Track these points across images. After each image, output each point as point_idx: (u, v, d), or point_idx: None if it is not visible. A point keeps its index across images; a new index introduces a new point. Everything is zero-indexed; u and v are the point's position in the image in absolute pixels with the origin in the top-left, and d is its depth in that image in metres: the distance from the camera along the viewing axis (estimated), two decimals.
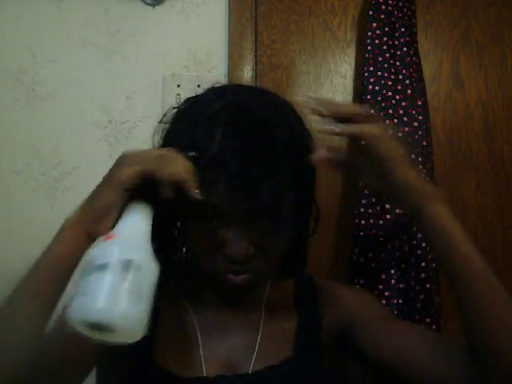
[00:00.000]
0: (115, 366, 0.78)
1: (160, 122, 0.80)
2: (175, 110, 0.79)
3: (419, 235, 1.30)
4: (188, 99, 0.79)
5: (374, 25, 1.35)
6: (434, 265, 1.32)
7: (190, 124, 0.71)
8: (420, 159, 1.31)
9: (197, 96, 0.79)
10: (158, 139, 0.79)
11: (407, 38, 1.35)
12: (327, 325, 0.83)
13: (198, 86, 1.42)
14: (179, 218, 0.78)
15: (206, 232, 0.70)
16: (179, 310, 0.83)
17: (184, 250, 0.83)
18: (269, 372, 0.77)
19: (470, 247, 0.72)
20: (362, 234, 1.30)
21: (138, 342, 0.75)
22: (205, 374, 0.76)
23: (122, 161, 0.66)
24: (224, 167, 0.65)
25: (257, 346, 0.79)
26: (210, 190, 0.65)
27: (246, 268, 0.71)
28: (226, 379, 0.74)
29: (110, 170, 0.66)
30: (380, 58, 1.34)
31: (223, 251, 0.70)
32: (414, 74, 1.35)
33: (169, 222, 0.79)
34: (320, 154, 0.69)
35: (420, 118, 1.33)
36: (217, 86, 0.80)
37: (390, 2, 1.36)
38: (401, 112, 1.31)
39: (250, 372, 0.77)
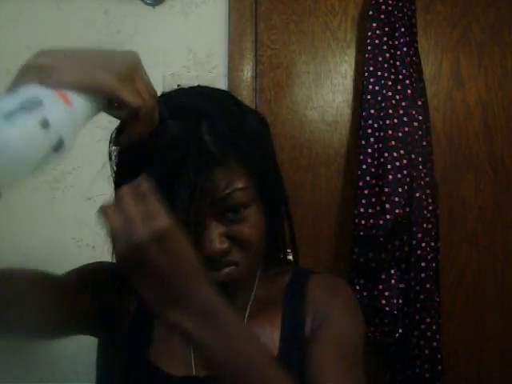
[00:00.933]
0: (114, 363, 0.78)
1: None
2: None
3: (419, 235, 1.30)
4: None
5: (374, 25, 1.35)
6: (434, 265, 1.32)
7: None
8: (420, 159, 1.31)
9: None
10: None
11: (407, 38, 1.35)
12: (308, 327, 0.79)
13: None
14: None
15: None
16: None
17: None
18: None
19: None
20: (361, 233, 1.30)
21: (136, 341, 0.74)
22: (194, 374, 0.75)
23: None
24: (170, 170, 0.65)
25: None
26: (171, 193, 0.64)
27: (227, 261, 0.70)
28: (214, 380, 0.74)
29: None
30: (380, 58, 1.34)
31: (200, 251, 0.67)
32: (414, 74, 1.35)
33: None
34: None
35: (420, 117, 1.33)
36: (166, 92, 0.79)
37: (390, 1, 1.36)
38: (401, 112, 1.31)
39: None
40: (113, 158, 0.80)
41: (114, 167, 0.79)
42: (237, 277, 0.72)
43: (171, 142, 0.66)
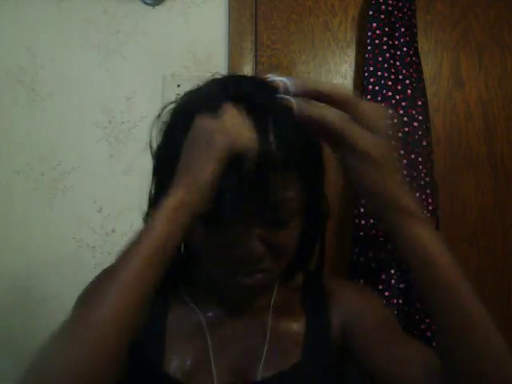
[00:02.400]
0: (126, 377, 0.76)
1: (158, 116, 0.74)
2: (174, 105, 0.74)
3: None
4: (188, 92, 0.75)
5: (374, 25, 1.35)
6: None
7: (191, 119, 0.64)
8: (420, 159, 1.31)
9: (197, 89, 0.74)
10: (155, 134, 0.74)
11: (407, 38, 1.35)
12: (335, 327, 0.80)
13: None
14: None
15: (213, 233, 0.66)
16: (188, 313, 0.80)
17: (184, 253, 0.80)
18: (278, 379, 0.74)
19: (457, 277, 0.62)
20: (361, 234, 1.30)
21: (148, 353, 0.73)
22: (216, 383, 0.73)
23: (216, 128, 0.59)
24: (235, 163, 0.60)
25: (265, 350, 0.77)
26: (221, 187, 0.60)
27: (258, 268, 0.68)
28: None
29: (205, 138, 0.59)
30: (380, 58, 1.34)
31: (232, 252, 0.66)
32: (414, 74, 1.35)
33: None
34: (302, 108, 0.60)
35: (420, 117, 1.33)
36: (218, 77, 0.76)
37: (390, 1, 1.36)
38: (401, 112, 1.31)
39: (258, 379, 0.75)
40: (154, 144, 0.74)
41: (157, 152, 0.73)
42: (265, 284, 0.71)
43: None
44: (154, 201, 0.73)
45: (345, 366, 0.83)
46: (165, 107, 0.74)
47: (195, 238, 0.69)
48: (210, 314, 0.80)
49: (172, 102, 0.75)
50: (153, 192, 0.74)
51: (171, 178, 0.61)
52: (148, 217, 0.73)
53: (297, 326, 0.79)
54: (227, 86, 0.68)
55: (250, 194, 0.61)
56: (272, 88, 0.66)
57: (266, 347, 0.77)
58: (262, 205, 0.63)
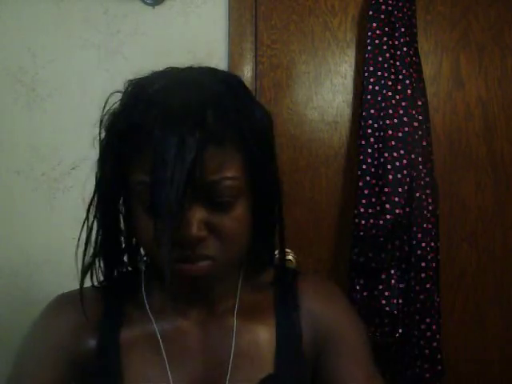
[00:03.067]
0: None
1: (103, 108, 0.73)
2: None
3: (419, 235, 1.30)
4: (130, 81, 0.73)
5: (374, 25, 1.35)
6: (434, 265, 1.32)
7: (129, 106, 0.65)
8: (420, 159, 1.31)
9: (140, 78, 0.73)
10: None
11: (407, 38, 1.35)
12: (307, 334, 0.73)
13: None
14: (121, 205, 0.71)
15: (149, 218, 0.61)
16: (142, 324, 0.72)
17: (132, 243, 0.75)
18: None
19: None
20: (362, 233, 1.30)
21: (104, 378, 0.68)
22: None
23: None
24: (160, 141, 0.58)
25: (230, 361, 0.69)
26: (147, 169, 0.59)
27: (200, 254, 0.62)
28: None
29: None
30: (380, 58, 1.34)
31: (175, 237, 0.60)
32: (414, 74, 1.35)
33: (113, 212, 0.71)
34: None
35: (420, 118, 1.33)
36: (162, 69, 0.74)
37: (390, 1, 1.36)
38: (401, 112, 1.31)
39: None
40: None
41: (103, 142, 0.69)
42: (212, 272, 0.64)
43: (170, 108, 0.59)
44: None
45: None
46: (107, 99, 0.75)
47: (139, 228, 0.65)
48: (166, 322, 0.72)
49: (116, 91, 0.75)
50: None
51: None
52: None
53: (266, 333, 0.71)
54: (165, 75, 0.72)
55: (185, 172, 0.57)
56: (222, 75, 0.70)
57: (231, 359, 0.69)
58: (198, 183, 0.59)
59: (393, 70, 1.34)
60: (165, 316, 0.72)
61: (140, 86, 0.69)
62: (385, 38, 1.35)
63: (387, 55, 1.34)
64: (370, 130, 1.32)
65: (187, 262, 0.62)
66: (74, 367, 0.69)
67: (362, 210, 1.30)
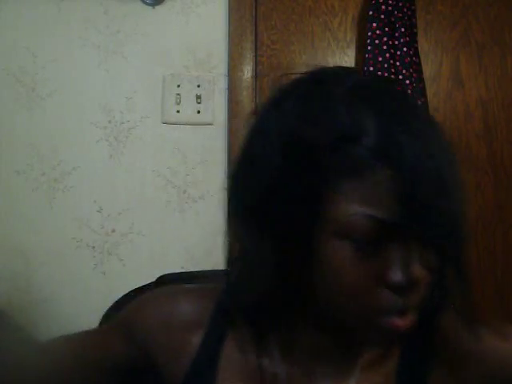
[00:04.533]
0: None
1: (254, 113, 0.56)
2: (272, 100, 0.55)
3: None
4: (284, 88, 0.55)
5: (374, 25, 1.35)
6: None
7: (322, 108, 0.49)
8: None
9: (298, 82, 0.56)
10: (253, 134, 0.55)
11: (407, 38, 1.35)
12: None
13: (198, 85, 1.42)
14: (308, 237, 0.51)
15: (357, 258, 0.49)
16: (245, 357, 0.61)
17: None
18: None
19: None
20: None
21: (199, 381, 0.60)
22: None
23: None
24: (395, 165, 0.46)
25: None
26: (372, 199, 0.47)
27: (411, 303, 0.50)
28: None
29: None
30: (380, 58, 1.34)
31: (384, 281, 0.49)
32: (414, 74, 1.35)
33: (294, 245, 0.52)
34: None
35: None
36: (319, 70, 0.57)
37: (390, 1, 1.36)
38: None
39: None
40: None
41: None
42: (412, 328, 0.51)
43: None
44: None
45: None
46: (257, 106, 0.59)
47: (325, 267, 0.51)
48: (290, 356, 0.60)
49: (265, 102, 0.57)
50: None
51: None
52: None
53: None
54: (349, 74, 0.53)
55: (416, 208, 0.48)
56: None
57: None
58: (430, 217, 0.49)
59: (393, 70, 1.34)
60: (288, 351, 0.61)
61: (353, 82, 0.52)
62: (385, 38, 1.35)
63: (387, 55, 1.34)
64: None
65: (397, 313, 0.50)
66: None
67: None
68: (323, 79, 0.54)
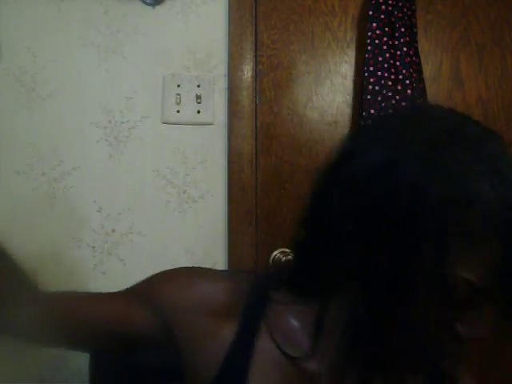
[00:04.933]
0: None
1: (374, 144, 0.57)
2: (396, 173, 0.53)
3: None
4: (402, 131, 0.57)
5: (374, 25, 1.35)
6: None
7: (456, 167, 0.51)
8: None
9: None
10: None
11: (407, 38, 1.35)
12: None
13: (198, 85, 1.42)
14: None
15: (442, 314, 0.52)
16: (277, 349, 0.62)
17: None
18: None
19: None
20: None
21: (231, 374, 0.60)
22: None
23: None
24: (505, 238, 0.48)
25: None
26: (476, 264, 0.49)
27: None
28: None
29: None
30: (380, 58, 1.34)
31: (463, 332, 0.53)
32: (414, 74, 1.35)
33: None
34: None
35: None
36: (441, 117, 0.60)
37: (390, 1, 1.36)
38: None
39: None
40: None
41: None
42: None
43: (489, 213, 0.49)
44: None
45: None
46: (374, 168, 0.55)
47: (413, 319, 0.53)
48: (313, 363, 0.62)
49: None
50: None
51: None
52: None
53: None
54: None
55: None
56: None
57: None
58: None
59: (393, 70, 1.34)
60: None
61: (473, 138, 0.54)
62: (385, 38, 1.35)
63: (387, 55, 1.34)
64: None
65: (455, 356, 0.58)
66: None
67: None
68: (462, 136, 0.55)
